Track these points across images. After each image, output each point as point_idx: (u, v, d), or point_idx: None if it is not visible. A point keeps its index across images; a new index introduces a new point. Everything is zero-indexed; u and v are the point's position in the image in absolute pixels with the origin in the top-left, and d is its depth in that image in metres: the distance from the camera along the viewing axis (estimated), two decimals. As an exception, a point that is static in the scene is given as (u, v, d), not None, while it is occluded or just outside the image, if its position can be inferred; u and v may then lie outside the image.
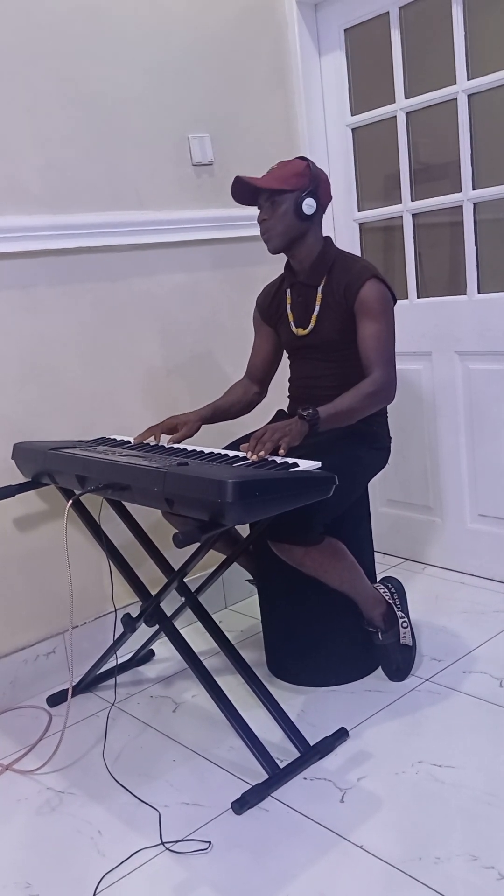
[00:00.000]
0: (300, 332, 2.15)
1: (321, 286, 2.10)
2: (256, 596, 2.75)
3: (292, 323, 2.18)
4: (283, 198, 2.02)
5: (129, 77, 2.40)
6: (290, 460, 1.73)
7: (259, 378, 2.33)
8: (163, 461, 1.76)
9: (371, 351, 2.00)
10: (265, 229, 2.08)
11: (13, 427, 2.24)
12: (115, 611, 2.46)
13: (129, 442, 2.17)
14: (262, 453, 1.75)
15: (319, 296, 2.10)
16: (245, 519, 1.56)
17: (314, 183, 2.03)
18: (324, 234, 2.14)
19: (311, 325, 2.12)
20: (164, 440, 2.14)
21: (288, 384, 2.30)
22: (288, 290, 2.20)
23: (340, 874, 1.51)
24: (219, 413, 2.24)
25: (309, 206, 2.02)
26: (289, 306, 2.19)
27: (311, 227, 2.08)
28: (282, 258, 2.22)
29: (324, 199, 2.07)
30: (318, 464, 1.71)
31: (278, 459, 1.75)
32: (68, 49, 2.26)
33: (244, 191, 2.07)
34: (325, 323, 2.10)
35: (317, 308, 2.10)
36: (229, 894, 1.50)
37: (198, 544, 1.86)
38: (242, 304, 2.74)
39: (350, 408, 1.92)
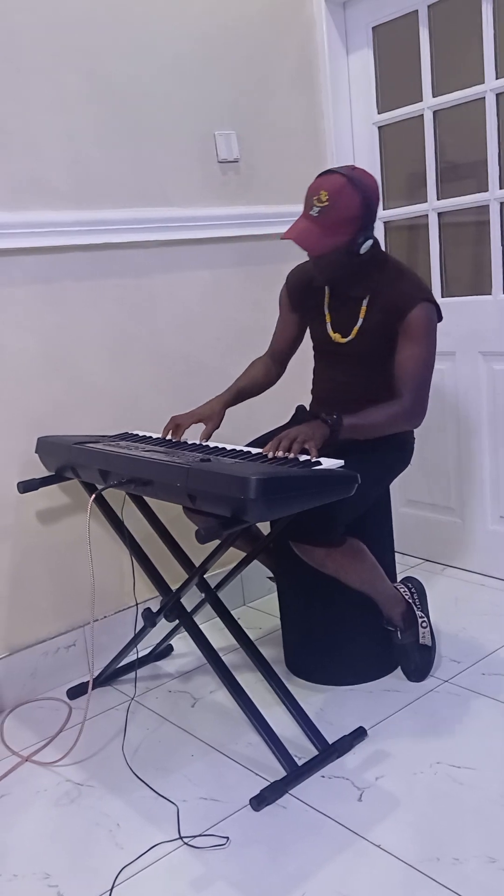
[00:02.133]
0: (338, 338, 2.08)
1: (366, 299, 2.01)
2: (275, 593, 2.76)
3: (329, 325, 2.10)
4: (338, 250, 1.87)
5: (155, 74, 2.41)
6: (313, 459, 1.73)
7: (281, 358, 2.29)
8: (185, 457, 1.77)
9: (407, 375, 1.95)
10: (315, 271, 1.98)
11: (37, 421, 2.26)
12: (136, 605, 2.48)
13: (151, 437, 2.18)
14: (290, 456, 1.75)
15: (364, 309, 2.01)
16: (267, 516, 1.57)
17: (368, 218, 1.86)
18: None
19: (352, 337, 2.04)
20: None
21: (312, 382, 2.28)
22: (327, 288, 2.10)
23: (358, 873, 1.51)
24: (242, 394, 2.20)
25: (365, 247, 1.89)
26: (326, 306, 2.11)
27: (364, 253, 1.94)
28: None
29: (375, 219, 1.91)
30: (340, 462, 1.70)
31: (301, 457, 1.75)
32: (95, 46, 2.27)
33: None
34: (366, 336, 2.02)
35: (360, 321, 2.02)
36: (247, 890, 1.50)
37: (219, 541, 1.87)
38: (266, 301, 2.74)
39: (374, 424, 1.91)
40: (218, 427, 2.10)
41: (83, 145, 2.28)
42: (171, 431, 2.10)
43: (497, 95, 2.46)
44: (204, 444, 2.03)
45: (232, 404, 2.17)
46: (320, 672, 2.23)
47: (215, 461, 1.71)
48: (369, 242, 1.90)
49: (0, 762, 2.02)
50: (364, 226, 1.87)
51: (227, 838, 1.64)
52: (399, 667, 2.22)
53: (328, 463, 1.70)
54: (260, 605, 2.80)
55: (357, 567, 1.97)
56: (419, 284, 1.98)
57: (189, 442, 2.07)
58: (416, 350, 1.95)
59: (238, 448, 1.93)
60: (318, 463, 1.70)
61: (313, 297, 2.14)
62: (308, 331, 2.23)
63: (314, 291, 2.14)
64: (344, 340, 2.07)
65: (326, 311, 2.11)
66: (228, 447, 1.96)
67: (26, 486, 2.14)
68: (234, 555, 2.46)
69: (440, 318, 2.01)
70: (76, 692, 2.30)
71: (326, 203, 1.83)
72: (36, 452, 2.22)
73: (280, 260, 2.76)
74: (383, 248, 2.93)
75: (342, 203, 1.82)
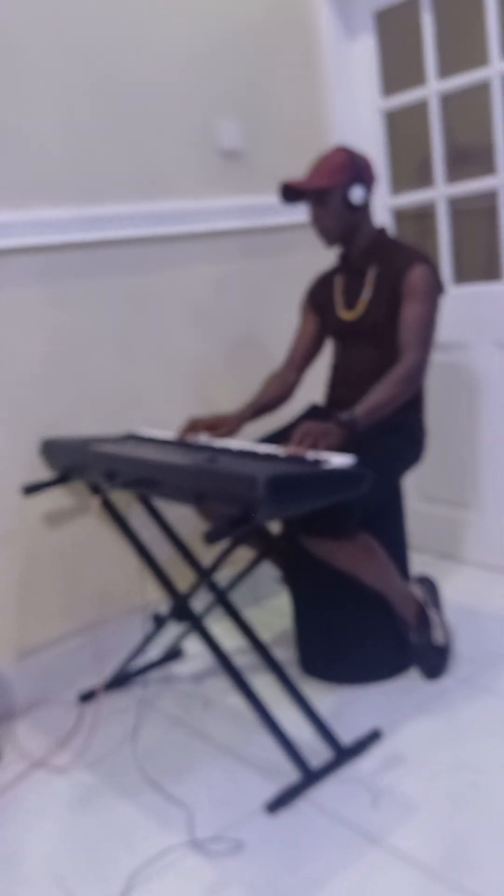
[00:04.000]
0: (348, 315, 2.13)
1: (372, 271, 2.08)
2: (287, 593, 2.73)
3: (340, 308, 2.16)
4: (331, 194, 2.02)
5: (155, 65, 2.36)
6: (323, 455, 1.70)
7: (299, 365, 2.29)
8: (192, 457, 1.73)
9: (408, 332, 1.98)
10: (318, 227, 2.09)
11: (41, 422, 2.23)
12: (145, 607, 2.45)
13: (155, 438, 2.15)
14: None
15: (369, 281, 2.08)
16: (276, 515, 1.54)
17: (357, 171, 2.01)
18: (378, 226, 2.13)
19: (361, 310, 2.10)
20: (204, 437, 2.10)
21: (330, 372, 2.26)
22: (339, 277, 2.19)
23: (375, 878, 1.48)
24: (259, 411, 2.20)
25: (357, 196, 2.02)
26: (338, 292, 2.18)
27: (363, 215, 2.08)
28: (317, 247, 2.18)
29: (369, 183, 2.05)
30: (350, 459, 1.66)
31: (309, 455, 1.71)
32: (95, 37, 2.23)
33: (290, 192, 2.06)
34: (374, 307, 2.08)
35: (365, 292, 2.09)
36: (262, 895, 1.47)
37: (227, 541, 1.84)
38: (274, 293, 2.70)
39: (385, 400, 1.89)
40: (229, 437, 2.09)
41: (84, 140, 2.24)
42: (186, 431, 2.07)
43: (504, 78, 2.41)
44: (210, 444, 1.99)
45: (250, 420, 2.18)
46: (334, 671, 2.19)
47: (223, 461, 1.68)
48: (361, 192, 2.02)
49: (12, 766, 2.00)
50: (354, 178, 2.01)
51: (241, 842, 1.61)
52: (414, 665, 2.19)
53: (338, 460, 1.66)
54: (272, 605, 2.76)
55: (367, 563, 1.93)
56: (417, 250, 2.06)
57: (196, 442, 2.03)
58: (416, 308, 2.00)
59: (245, 447, 1.90)
60: (328, 460, 1.66)
61: (327, 291, 2.22)
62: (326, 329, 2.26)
63: (328, 286, 2.22)
64: (353, 316, 2.12)
65: (338, 297, 2.17)
66: (236, 446, 1.92)
67: (32, 489, 2.11)
68: (244, 554, 2.43)
69: (442, 287, 2.05)
70: (87, 695, 2.27)
71: (316, 163, 2.05)
72: (40, 454, 2.19)
73: (287, 251, 2.71)
74: (393, 237, 2.89)
75: (330, 159, 2.03)
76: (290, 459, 1.69)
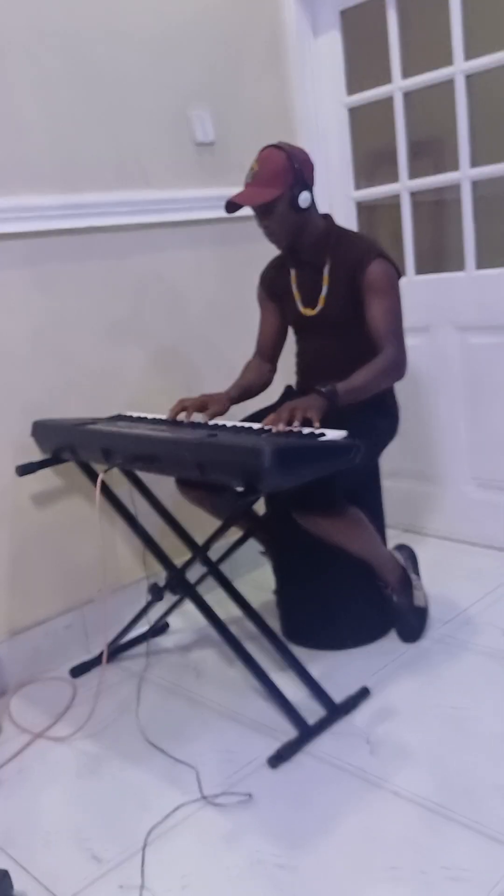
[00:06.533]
0: (308, 312, 2.19)
1: (326, 266, 2.13)
2: (261, 568, 2.83)
3: (299, 303, 2.21)
4: (277, 203, 2.01)
5: (132, 54, 2.42)
6: (317, 430, 1.80)
7: (270, 355, 2.37)
8: (191, 433, 1.81)
9: (382, 329, 2.06)
10: (269, 234, 2.10)
11: (28, 405, 2.27)
12: (135, 583, 2.51)
13: (146, 418, 2.22)
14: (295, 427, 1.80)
15: (326, 276, 2.13)
16: (281, 485, 1.63)
17: (299, 173, 2.00)
18: (322, 212, 2.17)
19: (320, 306, 2.15)
20: (195, 417, 2.15)
21: (295, 360, 2.36)
22: (293, 269, 2.23)
23: (381, 817, 1.60)
24: (244, 393, 2.26)
25: (304, 199, 2.02)
26: (294, 286, 2.22)
27: (310, 213, 2.08)
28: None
29: (311, 181, 2.05)
30: (343, 432, 1.77)
31: (304, 430, 1.81)
32: (75, 26, 2.28)
33: (234, 204, 2.06)
34: (333, 302, 2.14)
35: (324, 289, 2.14)
36: (277, 841, 1.58)
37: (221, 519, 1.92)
38: (245, 280, 2.77)
39: (365, 384, 1.98)
40: (220, 414, 2.11)
41: (64, 127, 2.29)
42: (176, 412, 2.08)
43: (466, 77, 2.54)
44: (202, 422, 2.07)
45: (236, 401, 2.22)
46: (316, 638, 2.31)
47: (222, 435, 1.76)
48: (307, 195, 2.02)
49: (12, 740, 2.05)
50: (297, 180, 2.00)
51: (250, 794, 1.72)
52: (394, 629, 2.32)
53: (332, 434, 1.77)
54: (246, 581, 2.86)
55: (358, 535, 2.05)
56: (371, 244, 2.11)
57: (187, 421, 2.09)
58: (384, 303, 2.06)
59: (238, 424, 1.98)
60: (322, 434, 1.77)
61: (282, 281, 2.26)
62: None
63: (282, 276, 2.26)
64: (314, 312, 2.17)
65: (295, 291, 2.21)
66: (228, 424, 2.01)
67: (25, 469, 2.16)
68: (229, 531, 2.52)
69: (399, 274, 2.12)
70: (79, 670, 2.33)
71: (256, 168, 2.03)
72: (31, 436, 2.23)
73: (257, 240, 2.79)
74: (356, 228, 3.01)
75: (269, 163, 2.01)
76: (284, 433, 1.78)
